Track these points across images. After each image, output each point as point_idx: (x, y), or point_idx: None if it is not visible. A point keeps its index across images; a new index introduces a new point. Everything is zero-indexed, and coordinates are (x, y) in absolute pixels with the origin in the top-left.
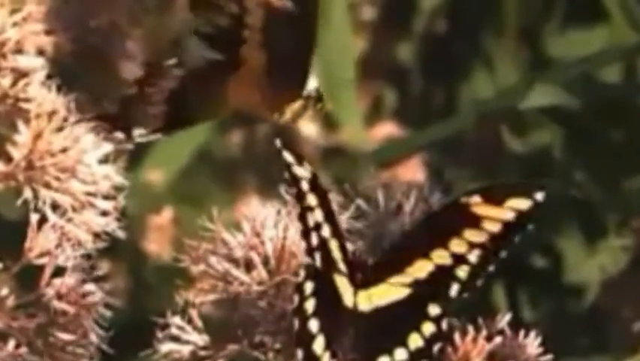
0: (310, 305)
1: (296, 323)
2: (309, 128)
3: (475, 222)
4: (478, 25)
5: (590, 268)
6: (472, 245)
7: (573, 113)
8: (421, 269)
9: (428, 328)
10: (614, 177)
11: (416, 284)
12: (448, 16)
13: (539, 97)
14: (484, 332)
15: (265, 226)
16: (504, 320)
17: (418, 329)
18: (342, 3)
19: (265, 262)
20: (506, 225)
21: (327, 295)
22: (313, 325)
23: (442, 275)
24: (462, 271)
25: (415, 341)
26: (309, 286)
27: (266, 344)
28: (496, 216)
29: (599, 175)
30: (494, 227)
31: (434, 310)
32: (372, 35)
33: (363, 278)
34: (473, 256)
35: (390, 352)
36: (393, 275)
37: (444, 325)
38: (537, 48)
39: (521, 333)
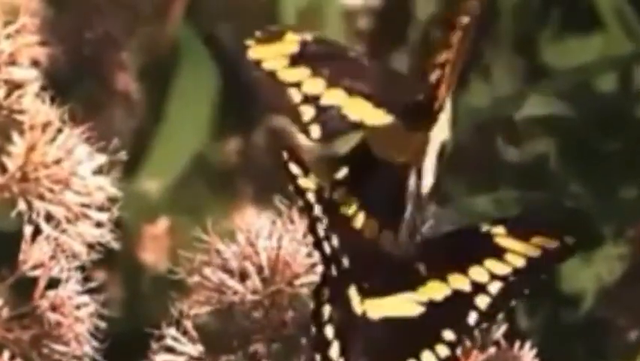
0: (326, 311)
1: (313, 329)
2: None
3: (498, 253)
4: (474, 34)
5: (585, 277)
6: (493, 276)
7: (569, 123)
8: (437, 291)
9: (443, 350)
10: (610, 187)
11: (431, 305)
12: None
13: (535, 106)
14: (478, 343)
15: (259, 236)
16: (499, 330)
17: (431, 348)
18: (337, 12)
19: (259, 271)
20: (531, 261)
21: (341, 302)
22: (329, 331)
23: (460, 301)
24: (482, 302)
25: (428, 358)
26: (325, 293)
27: (261, 354)
28: (521, 251)
29: (594, 184)
30: (518, 262)
31: (449, 335)
32: (368, 44)
33: (370, 287)
34: (494, 288)
35: None
36: (404, 291)
37: (458, 351)
38: (533, 57)
39: (517, 344)
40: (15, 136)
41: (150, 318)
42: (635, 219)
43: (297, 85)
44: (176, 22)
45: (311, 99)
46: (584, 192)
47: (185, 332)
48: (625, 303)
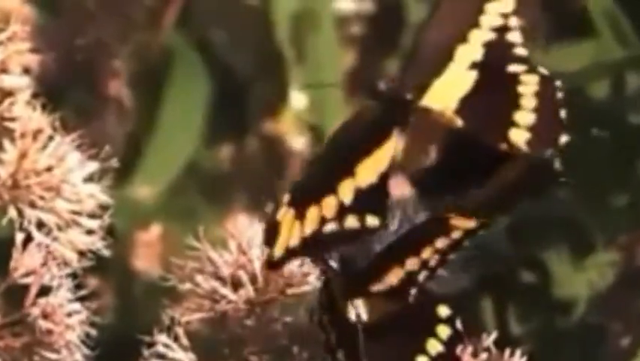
0: (333, 338)
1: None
2: (297, 141)
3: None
4: None
5: (578, 283)
6: (436, 251)
7: None
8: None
9: (444, 331)
10: (602, 194)
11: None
12: None
13: None
14: (469, 350)
15: (252, 244)
16: (490, 338)
17: (433, 334)
18: (330, 18)
19: (253, 281)
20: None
21: (340, 321)
22: (340, 355)
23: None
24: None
25: (434, 346)
26: (326, 319)
27: None
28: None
29: (586, 191)
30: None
31: (444, 311)
32: (360, 50)
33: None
34: (433, 261)
35: None
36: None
37: (458, 324)
38: None
39: (507, 352)
40: (6, 143)
41: (142, 325)
42: (627, 226)
43: None
44: (169, 29)
45: None
46: (575, 198)
47: (176, 339)
48: (617, 309)
